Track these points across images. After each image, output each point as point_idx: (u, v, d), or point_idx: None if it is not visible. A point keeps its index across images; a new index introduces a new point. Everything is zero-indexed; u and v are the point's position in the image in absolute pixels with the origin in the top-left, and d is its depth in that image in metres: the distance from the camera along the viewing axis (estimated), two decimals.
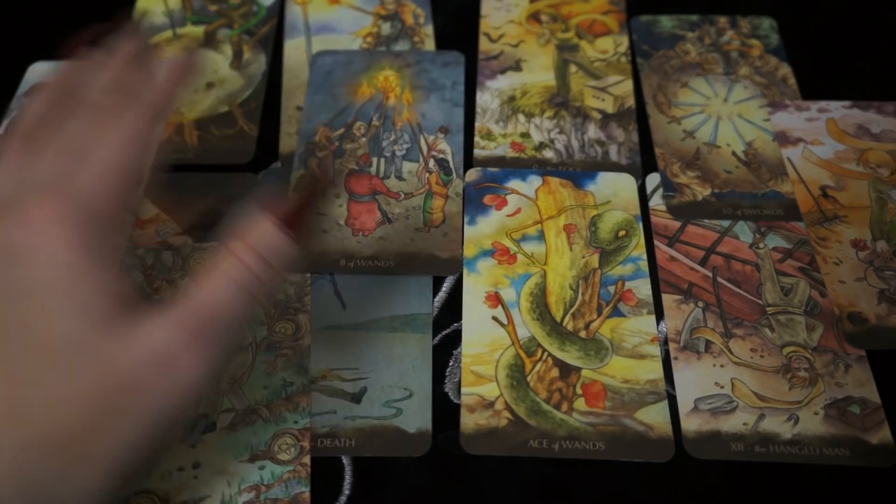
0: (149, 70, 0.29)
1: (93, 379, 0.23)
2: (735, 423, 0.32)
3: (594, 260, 0.36)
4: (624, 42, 0.45)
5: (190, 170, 0.41)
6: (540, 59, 0.45)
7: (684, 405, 0.32)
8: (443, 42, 0.46)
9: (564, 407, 0.32)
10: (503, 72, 0.44)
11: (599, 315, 0.34)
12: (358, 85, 0.43)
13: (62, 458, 0.22)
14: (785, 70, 0.44)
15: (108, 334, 0.23)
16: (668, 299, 0.35)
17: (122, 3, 0.48)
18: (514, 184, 0.39)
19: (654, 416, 0.32)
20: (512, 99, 0.43)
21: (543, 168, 0.40)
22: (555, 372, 0.33)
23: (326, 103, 0.42)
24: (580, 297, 0.35)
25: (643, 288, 0.35)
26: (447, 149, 0.40)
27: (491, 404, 0.32)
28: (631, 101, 0.43)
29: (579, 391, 0.32)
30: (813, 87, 0.43)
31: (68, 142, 0.26)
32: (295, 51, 0.45)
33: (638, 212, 0.38)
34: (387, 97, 0.42)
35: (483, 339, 0.34)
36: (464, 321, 0.35)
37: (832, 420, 0.32)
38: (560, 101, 0.43)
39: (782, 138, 0.40)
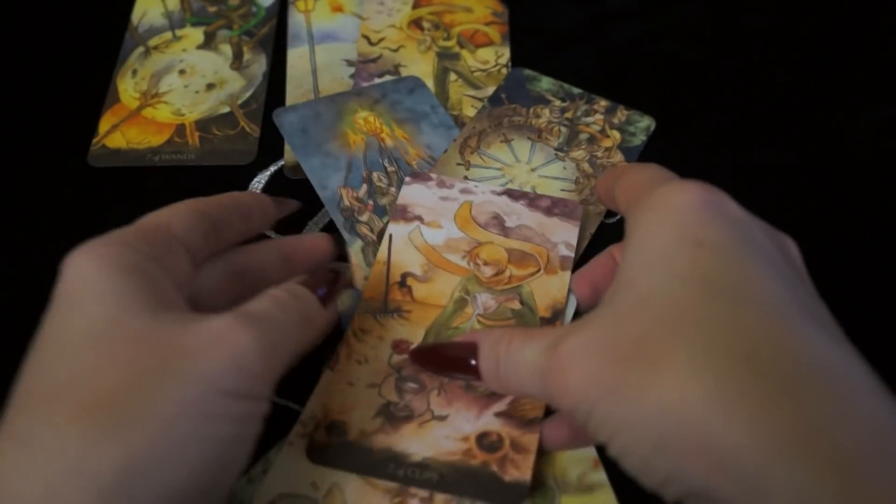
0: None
1: (144, 348, 0.23)
2: None
3: None
4: (505, 54, 0.45)
5: (191, 170, 0.41)
6: (420, 65, 0.44)
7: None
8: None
9: None
10: (381, 75, 0.44)
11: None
12: (343, 135, 0.40)
13: (108, 421, 0.21)
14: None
15: (166, 317, 0.24)
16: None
17: (122, 3, 0.48)
18: None
19: None
20: None
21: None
22: None
23: (327, 164, 0.39)
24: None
25: None
26: None
27: None
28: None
29: None
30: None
31: None
32: (298, 59, 0.45)
33: None
34: (381, 139, 0.40)
35: None
36: None
37: None
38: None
39: (401, 212, 0.36)
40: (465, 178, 0.38)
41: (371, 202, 0.38)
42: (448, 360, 0.29)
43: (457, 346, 0.28)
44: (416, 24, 0.46)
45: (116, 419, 0.21)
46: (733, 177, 0.40)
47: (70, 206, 0.40)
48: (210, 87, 0.44)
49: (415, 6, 0.47)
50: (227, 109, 0.43)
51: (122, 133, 0.42)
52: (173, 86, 0.44)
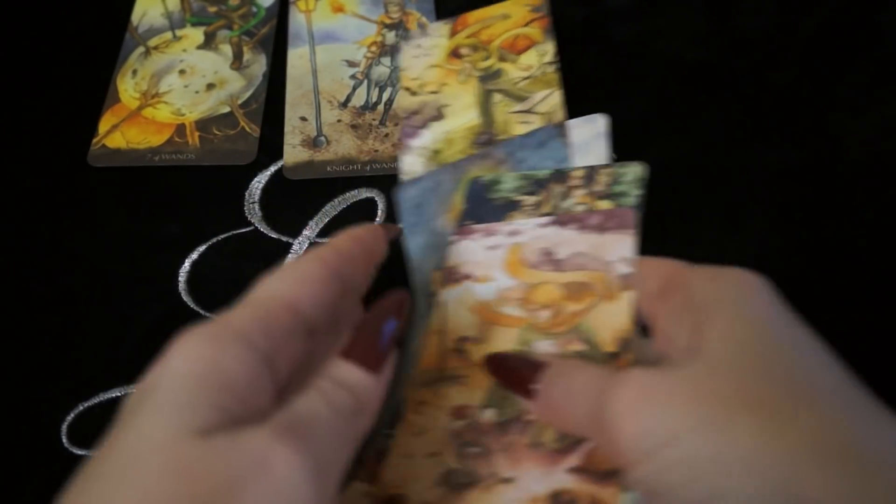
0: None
1: (187, 480, 0.20)
2: None
3: None
4: (549, 50, 0.42)
5: (191, 170, 0.41)
6: (462, 98, 0.41)
7: None
8: None
9: None
10: (425, 125, 0.40)
11: None
12: (453, 207, 0.36)
13: None
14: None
15: (222, 441, 0.21)
16: (360, 488, 0.29)
17: (122, 3, 0.48)
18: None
19: None
20: (436, 154, 0.39)
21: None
22: None
23: (432, 243, 0.35)
24: None
25: None
26: None
27: None
28: (560, 114, 0.40)
29: None
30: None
31: None
32: (299, 60, 0.45)
33: None
34: None
35: None
36: None
37: None
38: (485, 138, 0.39)
39: (449, 275, 0.32)
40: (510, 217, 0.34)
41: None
42: (507, 372, 0.28)
43: (523, 361, 0.27)
44: (455, 54, 0.43)
45: None
46: (733, 177, 0.40)
47: (70, 206, 0.40)
48: (210, 87, 0.44)
49: (452, 35, 0.44)
50: (227, 109, 0.43)
51: (122, 133, 0.42)
52: (173, 86, 0.44)
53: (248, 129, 0.42)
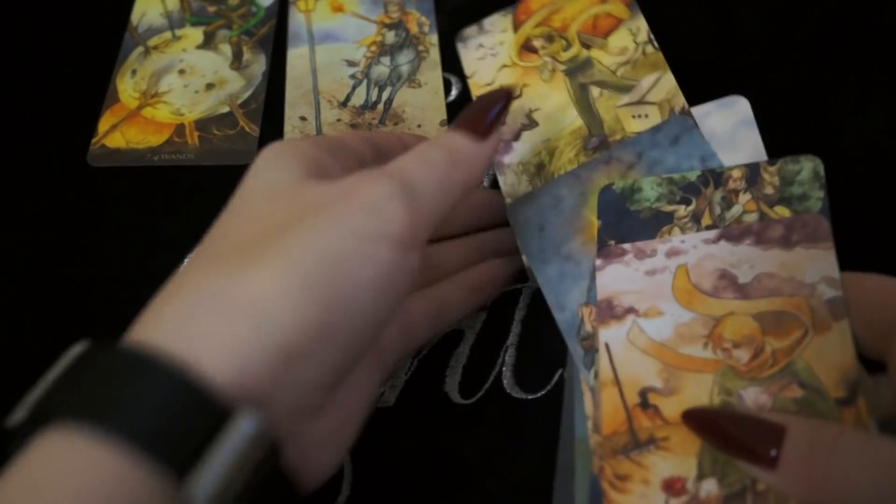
0: None
1: (281, 203, 0.24)
2: None
3: None
4: (642, 28, 0.36)
5: (191, 170, 0.41)
6: (552, 98, 0.35)
7: None
8: (450, 48, 0.46)
9: None
10: (517, 137, 0.35)
11: None
12: (588, 227, 0.30)
13: (241, 261, 0.23)
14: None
15: (320, 183, 0.25)
16: None
17: (122, 3, 0.48)
18: None
19: None
20: (541, 167, 0.33)
21: None
22: None
23: (566, 272, 0.30)
24: None
25: None
26: None
27: None
28: (681, 100, 0.33)
29: None
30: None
31: None
32: (299, 59, 0.45)
33: None
34: None
35: None
36: None
37: None
38: (597, 142, 0.34)
39: (606, 309, 0.27)
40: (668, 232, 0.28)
41: None
42: (732, 438, 0.23)
43: (752, 424, 0.23)
44: (527, 48, 0.37)
45: (249, 259, 0.22)
46: None
47: (70, 206, 0.40)
48: (210, 86, 0.44)
49: (516, 28, 0.38)
50: (226, 109, 0.43)
51: (121, 133, 0.42)
52: (173, 86, 0.44)
53: (247, 128, 0.42)
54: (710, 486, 0.24)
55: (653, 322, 0.26)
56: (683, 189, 0.29)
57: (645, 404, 0.25)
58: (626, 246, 0.28)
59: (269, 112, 0.43)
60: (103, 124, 0.42)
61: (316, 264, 0.22)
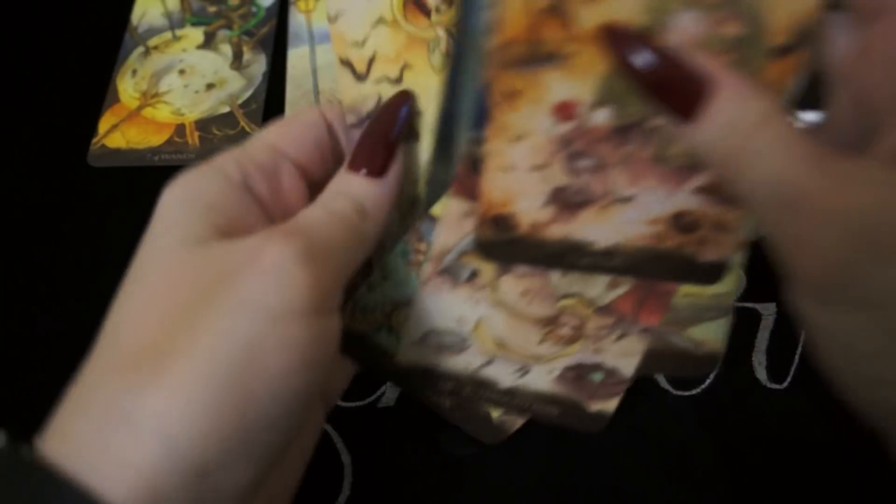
0: None
1: (185, 276, 0.22)
2: (457, 362, 0.28)
3: None
4: None
5: None
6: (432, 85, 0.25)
7: (412, 336, 0.27)
8: None
9: None
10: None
11: None
12: None
13: (149, 367, 0.20)
14: None
15: (218, 245, 0.22)
16: (457, 206, 0.25)
17: (122, 3, 0.48)
18: None
19: None
20: (415, 204, 0.27)
21: None
22: None
23: None
24: None
25: None
26: None
27: None
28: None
29: None
30: None
31: None
32: (299, 60, 0.45)
33: None
34: None
35: None
36: None
37: (564, 382, 0.28)
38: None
39: None
40: None
41: None
42: (654, 74, 0.20)
43: (682, 65, 0.20)
44: (418, 4, 0.24)
45: (154, 368, 0.20)
46: None
47: (70, 206, 0.40)
48: (210, 86, 0.44)
49: None
50: (226, 109, 0.43)
51: (121, 133, 0.42)
52: (173, 86, 0.44)
53: (247, 129, 0.42)
54: (602, 115, 0.22)
55: None
56: None
57: (557, 10, 0.21)
58: None
59: (269, 112, 0.43)
60: (103, 124, 0.42)
61: (227, 361, 0.20)
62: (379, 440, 0.33)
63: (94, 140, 0.42)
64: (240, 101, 0.43)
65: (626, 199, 0.24)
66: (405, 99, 0.26)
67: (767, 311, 0.35)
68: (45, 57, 0.46)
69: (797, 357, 0.34)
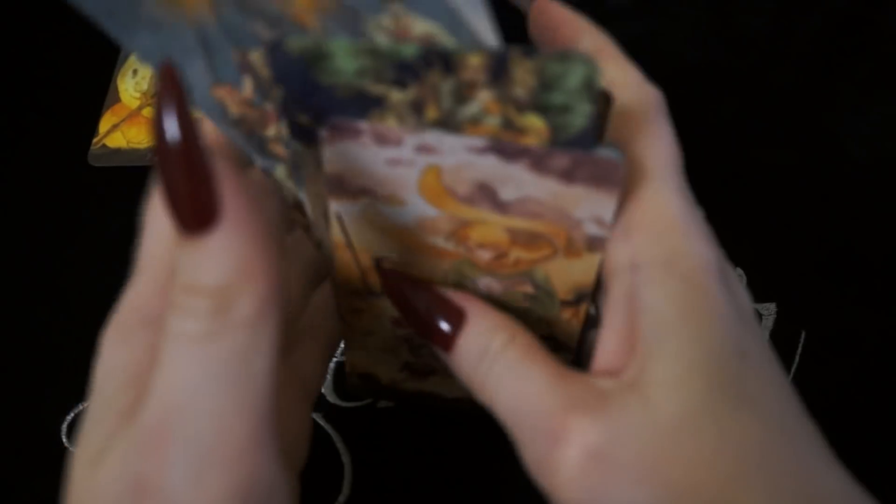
0: None
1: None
2: None
3: None
4: None
5: None
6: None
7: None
8: None
9: None
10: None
11: None
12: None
13: None
14: None
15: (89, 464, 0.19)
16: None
17: None
18: None
19: None
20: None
21: None
22: None
23: (164, 41, 0.20)
24: None
25: None
26: None
27: None
28: None
29: None
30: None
31: None
32: None
33: None
34: None
35: None
36: None
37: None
38: None
39: (337, 185, 0.21)
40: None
41: (269, 106, 0.21)
42: (418, 313, 0.22)
43: (439, 303, 0.22)
44: None
45: None
46: (733, 177, 0.40)
47: (70, 206, 0.40)
48: None
49: None
50: None
51: (122, 133, 0.42)
52: None
53: None
54: None
55: (393, 209, 0.22)
56: (397, 68, 0.19)
57: (379, 266, 0.24)
58: (363, 125, 0.20)
59: None
60: (104, 124, 0.42)
61: None
62: (379, 440, 0.33)
63: (95, 140, 0.42)
64: None
65: None
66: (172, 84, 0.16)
67: (767, 311, 0.35)
68: (45, 57, 0.46)
69: (797, 357, 0.34)
